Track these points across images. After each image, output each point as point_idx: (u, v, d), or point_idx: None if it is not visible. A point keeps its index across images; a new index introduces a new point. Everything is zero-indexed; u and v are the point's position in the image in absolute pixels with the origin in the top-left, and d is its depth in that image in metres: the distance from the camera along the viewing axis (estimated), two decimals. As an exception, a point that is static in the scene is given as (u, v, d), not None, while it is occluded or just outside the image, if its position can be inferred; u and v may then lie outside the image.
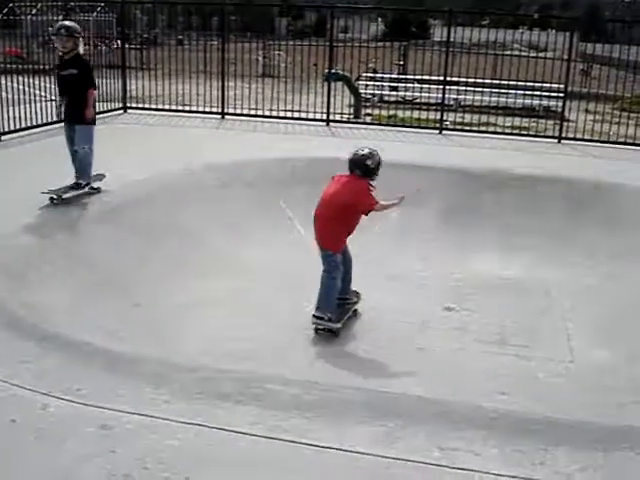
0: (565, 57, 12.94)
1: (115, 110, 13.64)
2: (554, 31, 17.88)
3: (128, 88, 14.18)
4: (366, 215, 6.45)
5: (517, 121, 13.87)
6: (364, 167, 6.37)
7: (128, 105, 14.08)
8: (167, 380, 4.12)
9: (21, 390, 3.87)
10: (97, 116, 12.57)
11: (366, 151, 6.46)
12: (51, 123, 11.42)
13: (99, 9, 13.86)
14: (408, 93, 17.96)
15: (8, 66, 12.14)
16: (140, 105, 14.45)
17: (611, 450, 3.70)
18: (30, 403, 3.76)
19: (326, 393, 4.14)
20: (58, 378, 4.06)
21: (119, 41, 14.46)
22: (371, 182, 6.42)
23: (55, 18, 12.76)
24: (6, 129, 10.60)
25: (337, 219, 6.35)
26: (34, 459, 3.31)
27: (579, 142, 12.58)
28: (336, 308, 6.51)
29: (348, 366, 5.73)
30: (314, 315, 6.37)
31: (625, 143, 12.56)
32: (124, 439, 3.47)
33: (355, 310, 6.90)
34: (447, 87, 13.63)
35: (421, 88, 16.32)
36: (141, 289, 6.60)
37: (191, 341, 5.86)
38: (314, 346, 6.19)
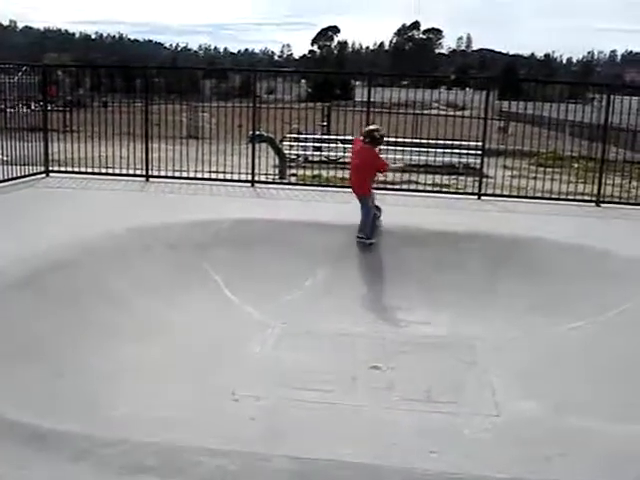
0: (482, 115, 13.36)
1: (37, 174, 13.39)
2: (472, 90, 18.54)
3: (50, 151, 13.97)
4: (381, 172, 10.37)
5: (438, 179, 14.18)
6: (372, 136, 9.58)
7: (50, 168, 13.85)
8: (89, 454, 3.99)
9: None
10: (19, 180, 12.48)
11: (374, 126, 10.21)
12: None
13: (22, 71, 13.73)
14: (332, 153, 18.22)
15: None
16: (63, 168, 14.23)
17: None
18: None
19: (252, 462, 4.07)
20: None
21: (41, 103, 14.31)
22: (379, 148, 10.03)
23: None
24: None
25: (364, 175, 9.67)
26: None
27: (498, 198, 12.89)
28: (371, 229, 9.55)
29: (275, 432, 5.64)
30: (357, 235, 9.47)
31: (542, 197, 12.97)
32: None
33: (380, 222, 9.83)
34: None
35: (344, 148, 16.58)
36: (63, 357, 6.39)
37: (115, 411, 5.69)
38: (240, 413, 6.09)
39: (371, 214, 9.54)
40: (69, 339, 6.69)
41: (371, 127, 9.99)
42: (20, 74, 13.71)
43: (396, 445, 5.44)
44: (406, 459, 4.62)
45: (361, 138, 9.84)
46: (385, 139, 15.14)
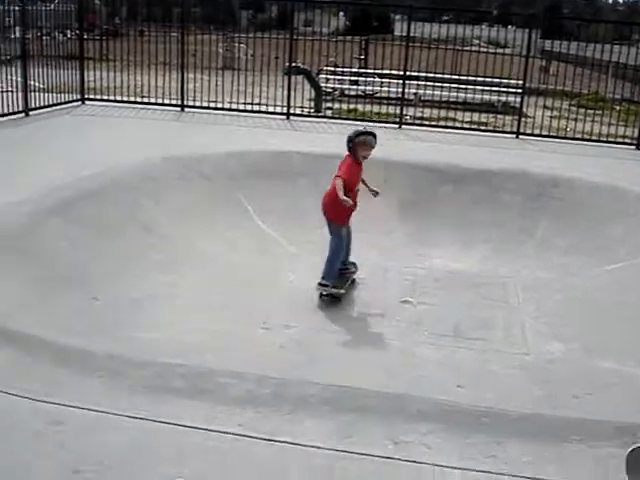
0: (524, 53, 13.06)
1: (73, 102, 13.45)
2: (514, 28, 18.07)
3: (86, 79, 13.98)
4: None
5: (476, 116, 13.96)
6: (346, 143, 7.03)
7: (86, 96, 13.89)
8: (119, 375, 4.07)
9: (-32, 386, 3.79)
10: (55, 107, 12.54)
11: (361, 129, 7.12)
12: (5, 115, 11.25)
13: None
14: (368, 87, 17.96)
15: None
16: (98, 96, 14.27)
17: (563, 442, 3.74)
18: (-21, 399, 3.69)
19: (280, 387, 4.12)
20: (8, 374, 3.99)
21: (77, 31, 14.26)
22: (358, 158, 7.05)
23: (13, 8, 12.56)
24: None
25: (332, 196, 6.93)
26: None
27: (537, 138, 12.72)
28: (338, 277, 7.19)
29: (303, 359, 5.70)
30: (319, 283, 7.05)
31: (582, 139, 12.76)
32: (74, 434, 3.43)
33: (353, 279, 7.50)
34: (407, 82, 13.69)
35: (381, 82, 16.34)
36: (96, 283, 6.49)
37: (145, 335, 5.79)
38: (269, 340, 6.16)
39: (340, 252, 7.19)
40: (104, 266, 6.78)
41: (356, 130, 7.12)
42: (57, 2, 13.65)
43: (423, 378, 5.47)
44: (433, 391, 4.64)
45: None
46: (424, 74, 15.00)
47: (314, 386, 4.14)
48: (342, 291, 7.13)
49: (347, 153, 7.07)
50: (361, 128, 7.18)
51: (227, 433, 3.50)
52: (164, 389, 3.96)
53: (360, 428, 3.66)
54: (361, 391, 4.21)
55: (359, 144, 6.97)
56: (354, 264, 7.57)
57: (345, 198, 6.71)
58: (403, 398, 4.17)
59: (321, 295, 7.12)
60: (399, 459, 3.41)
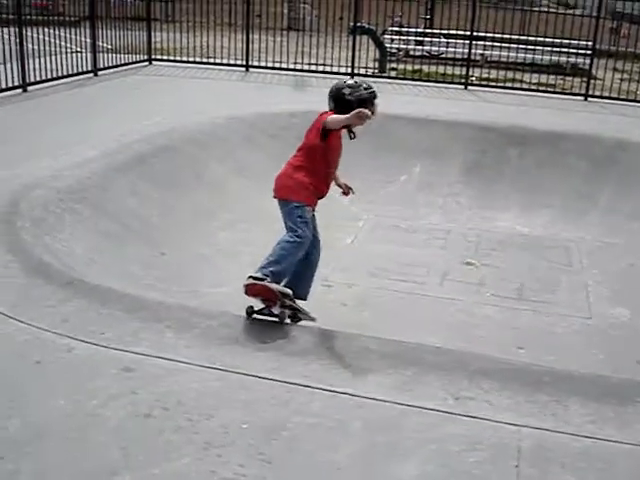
0: (594, 14, 12.73)
1: (140, 62, 13.66)
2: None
3: (153, 40, 14.16)
4: (323, 139, 4.61)
5: (544, 78, 13.67)
6: (338, 98, 4.57)
7: (153, 57, 14.07)
8: (189, 326, 4.19)
9: (46, 333, 3.95)
10: (123, 67, 12.76)
11: (350, 82, 4.70)
12: (75, 74, 11.49)
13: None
14: (434, 48, 17.71)
15: (34, 18, 12.17)
16: (165, 57, 14.45)
17: (624, 403, 3.73)
18: (55, 346, 3.84)
19: (343, 341, 4.20)
20: (82, 322, 4.15)
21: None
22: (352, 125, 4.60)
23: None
24: (32, 80, 10.62)
25: (293, 163, 4.91)
26: (59, 399, 3.41)
27: (606, 100, 12.42)
28: (289, 270, 4.67)
29: (366, 315, 5.80)
30: (250, 275, 4.44)
31: (654, 102, 12.42)
32: (146, 381, 3.56)
33: (297, 315, 4.72)
34: (473, 42, 13.47)
35: (447, 43, 16.10)
36: (166, 238, 6.67)
37: (213, 289, 5.95)
38: (332, 296, 6.25)
39: (296, 244, 4.58)
40: (171, 220, 6.94)
41: (345, 82, 4.65)
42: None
43: (485, 338, 5.51)
44: (494, 351, 4.67)
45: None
46: (491, 35, 14.73)
47: (375, 340, 4.20)
48: (289, 291, 4.54)
49: (328, 112, 4.59)
50: (351, 81, 4.75)
51: (291, 383, 3.59)
52: (232, 340, 4.08)
53: (421, 382, 3.71)
54: (422, 347, 4.26)
55: (368, 102, 4.53)
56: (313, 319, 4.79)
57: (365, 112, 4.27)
58: (464, 355, 4.20)
59: (247, 313, 4.50)
60: (460, 414, 3.45)
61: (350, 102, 4.48)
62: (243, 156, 8.56)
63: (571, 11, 16.84)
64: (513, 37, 14.72)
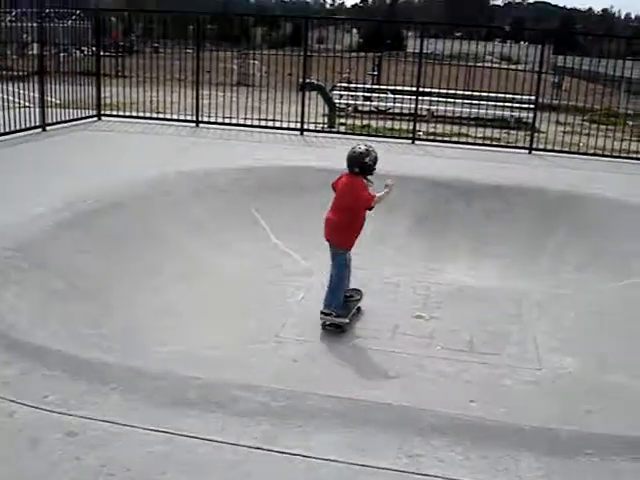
0: (537, 69, 13.12)
1: (89, 117, 13.61)
2: (526, 43, 18.13)
3: (103, 95, 14.15)
4: (370, 210, 6.66)
5: (489, 132, 13.99)
6: (361, 164, 6.53)
7: (102, 112, 14.04)
8: (134, 387, 4.11)
9: (-14, 397, 3.84)
10: (72, 122, 12.69)
11: (363, 148, 6.60)
12: (23, 130, 11.39)
13: (75, 16, 13.83)
14: (382, 103, 18.05)
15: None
16: (114, 112, 14.43)
17: (575, 456, 3.74)
18: (-4, 410, 3.73)
19: (294, 400, 4.15)
20: (25, 385, 4.04)
21: (94, 48, 14.44)
22: (368, 177, 6.62)
23: (31, 24, 12.74)
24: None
25: (349, 219, 6.71)
26: (0, 466, 3.29)
27: (549, 153, 12.75)
28: (343, 305, 6.85)
29: (317, 373, 5.75)
30: (322, 312, 6.71)
31: (594, 154, 12.78)
32: (91, 446, 3.46)
33: (359, 307, 7.18)
34: (420, 98, 13.75)
35: (394, 98, 16.41)
36: (112, 295, 6.56)
37: (161, 348, 5.85)
38: (283, 352, 6.21)
39: (344, 280, 6.91)
40: (117, 278, 6.85)
41: (360, 149, 6.61)
42: (73, 19, 13.81)
43: (435, 393, 5.49)
44: (446, 406, 4.66)
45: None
46: (437, 91, 15.08)
47: (327, 399, 4.16)
48: (346, 320, 6.78)
49: (354, 175, 6.59)
50: (369, 148, 6.68)
51: (240, 445, 3.53)
52: (178, 401, 4.00)
53: (373, 441, 3.68)
54: (374, 405, 4.23)
55: (373, 166, 6.63)
56: (359, 291, 7.30)
57: (382, 194, 6.58)
58: (416, 412, 4.19)
59: (324, 325, 6.77)
60: (413, 472, 3.42)
61: (371, 166, 6.53)
62: (191, 211, 8.54)
63: (514, 66, 17.33)
64: (458, 92, 15.08)
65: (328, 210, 6.87)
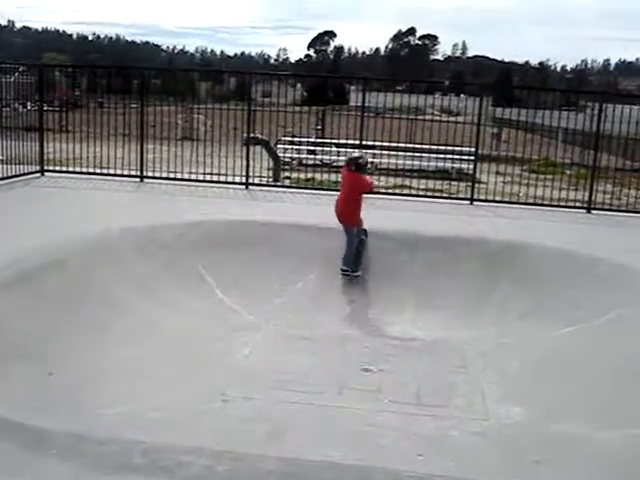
0: (476, 121, 13.43)
1: (32, 173, 13.42)
2: (466, 96, 18.62)
3: (46, 150, 14.00)
4: (371, 192, 9.92)
5: (431, 183, 14.25)
6: (356, 163, 9.37)
7: (46, 168, 13.88)
8: (76, 453, 4.01)
9: None
10: (14, 179, 12.51)
11: (357, 154, 10.02)
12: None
13: (19, 71, 13.75)
14: (326, 156, 18.28)
15: None
16: (58, 168, 14.28)
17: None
18: None
19: (239, 463, 4.09)
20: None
21: (37, 103, 14.34)
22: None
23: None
24: None
25: (354, 202, 9.31)
26: None
27: (490, 203, 12.97)
28: (355, 260, 9.21)
29: (264, 433, 5.67)
30: (341, 268, 9.14)
31: (534, 204, 13.07)
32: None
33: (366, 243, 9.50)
34: (364, 151, 13.93)
35: (338, 152, 16.64)
36: (54, 357, 6.41)
37: (105, 410, 5.71)
38: (230, 411, 6.12)
39: (354, 245, 9.26)
40: (60, 338, 6.71)
41: (354, 155, 9.85)
42: (17, 74, 13.74)
43: (384, 448, 5.47)
44: (393, 462, 4.65)
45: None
46: (379, 143, 15.35)
47: (272, 460, 4.12)
48: (359, 273, 9.18)
49: (351, 171, 9.38)
50: (364, 155, 10.15)
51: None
52: (123, 466, 3.91)
53: (321, 502, 3.65)
54: (321, 464, 4.19)
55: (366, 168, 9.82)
56: (365, 231, 9.60)
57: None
58: (365, 470, 4.17)
59: (344, 275, 9.11)
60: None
61: (362, 165, 9.56)
62: (136, 268, 8.45)
63: (454, 118, 17.76)
64: (401, 145, 15.34)
65: (338, 197, 9.52)
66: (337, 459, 4.47)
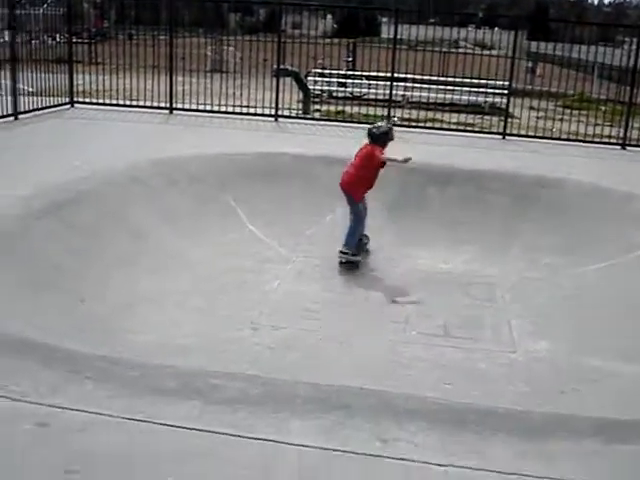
0: (510, 55, 13.16)
1: (62, 105, 13.45)
2: (500, 30, 18.18)
3: (75, 82, 13.98)
4: (382, 167, 8.11)
5: (463, 117, 14.05)
6: (370, 134, 8.14)
7: (75, 100, 13.89)
8: (108, 376, 4.09)
9: (-44, 387, 3.80)
10: (44, 110, 12.54)
11: (376, 124, 8.49)
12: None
13: (48, 3, 13.65)
14: (357, 89, 18.03)
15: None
16: (88, 100, 14.28)
17: (549, 438, 3.79)
18: (-33, 400, 3.70)
19: (269, 387, 4.16)
20: (-3, 374, 4.01)
21: (66, 35, 14.28)
22: (381, 147, 8.05)
23: (2, 12, 12.56)
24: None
25: (359, 175, 8.07)
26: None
27: (523, 138, 12.80)
28: (356, 246, 8.14)
29: (291, 359, 5.76)
30: (340, 250, 8.04)
31: (568, 139, 12.86)
32: (62, 436, 3.45)
33: (367, 249, 8.46)
34: (395, 83, 13.74)
35: (369, 84, 16.41)
36: (85, 286, 6.51)
37: (135, 337, 5.83)
38: (258, 339, 6.21)
39: (360, 224, 8.23)
40: (91, 268, 6.79)
41: (373, 125, 8.53)
42: (46, 5, 13.64)
43: (411, 376, 5.54)
44: (420, 389, 4.70)
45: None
46: (411, 76, 15.11)
47: (301, 385, 4.18)
48: (359, 258, 8.13)
49: (373, 144, 8.07)
50: (388, 125, 8.48)
51: (217, 433, 3.53)
52: (154, 389, 3.99)
53: (347, 427, 3.70)
54: (348, 390, 4.25)
55: (390, 139, 8.13)
56: (367, 236, 8.44)
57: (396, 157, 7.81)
58: (391, 396, 4.22)
59: (341, 262, 8.01)
60: (386, 457, 3.45)
61: (379, 135, 8.11)
62: (165, 200, 8.49)
63: (488, 52, 17.38)
64: (433, 78, 15.09)
65: (347, 166, 8.26)
66: (364, 386, 4.52)
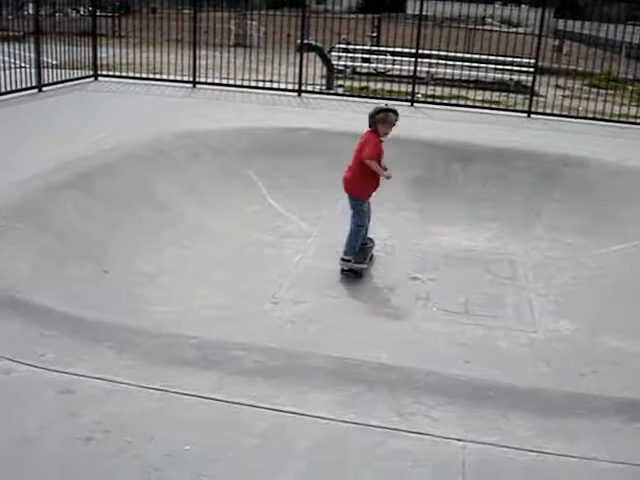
0: (537, 33, 13.00)
1: (86, 78, 13.50)
2: (527, 7, 17.94)
3: (99, 56, 14.00)
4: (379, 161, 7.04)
5: (488, 95, 13.92)
6: (371, 117, 6.98)
7: (99, 73, 13.92)
8: (130, 345, 4.13)
9: (-17, 356, 3.86)
10: (68, 83, 12.58)
11: (380, 107, 7.09)
12: (19, 90, 11.29)
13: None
14: (381, 65, 17.90)
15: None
16: (111, 73, 14.30)
17: (567, 416, 3.78)
18: (-8, 368, 3.75)
19: (289, 360, 4.18)
20: (21, 343, 4.06)
21: (90, 8, 14.29)
22: (381, 135, 6.99)
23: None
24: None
25: (357, 170, 7.04)
26: (-4, 422, 3.32)
27: (548, 117, 12.68)
28: (359, 252, 7.21)
29: (312, 333, 5.78)
30: (341, 258, 7.11)
31: (594, 118, 12.71)
32: (86, 403, 3.49)
33: (372, 255, 7.55)
34: (419, 60, 13.63)
35: (394, 60, 16.29)
36: (109, 256, 6.55)
37: (156, 308, 5.86)
38: (278, 313, 6.23)
39: (363, 228, 7.25)
40: (114, 239, 6.83)
41: (377, 107, 7.12)
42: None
43: (430, 353, 5.52)
44: (440, 366, 4.69)
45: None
46: (436, 53, 14.98)
47: (321, 358, 4.19)
48: (364, 265, 7.22)
49: (368, 130, 7.05)
50: (382, 105, 7.22)
51: (235, 403, 3.56)
52: (175, 359, 4.02)
53: (365, 400, 3.71)
54: (367, 364, 4.25)
55: (379, 121, 6.92)
56: (371, 239, 7.61)
57: (386, 173, 6.98)
58: (409, 371, 4.21)
59: (343, 270, 7.14)
60: (404, 430, 3.45)
61: (374, 114, 6.90)
62: (189, 173, 8.51)
63: (514, 29, 17.17)
64: (458, 55, 14.95)
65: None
66: (383, 361, 4.53)
